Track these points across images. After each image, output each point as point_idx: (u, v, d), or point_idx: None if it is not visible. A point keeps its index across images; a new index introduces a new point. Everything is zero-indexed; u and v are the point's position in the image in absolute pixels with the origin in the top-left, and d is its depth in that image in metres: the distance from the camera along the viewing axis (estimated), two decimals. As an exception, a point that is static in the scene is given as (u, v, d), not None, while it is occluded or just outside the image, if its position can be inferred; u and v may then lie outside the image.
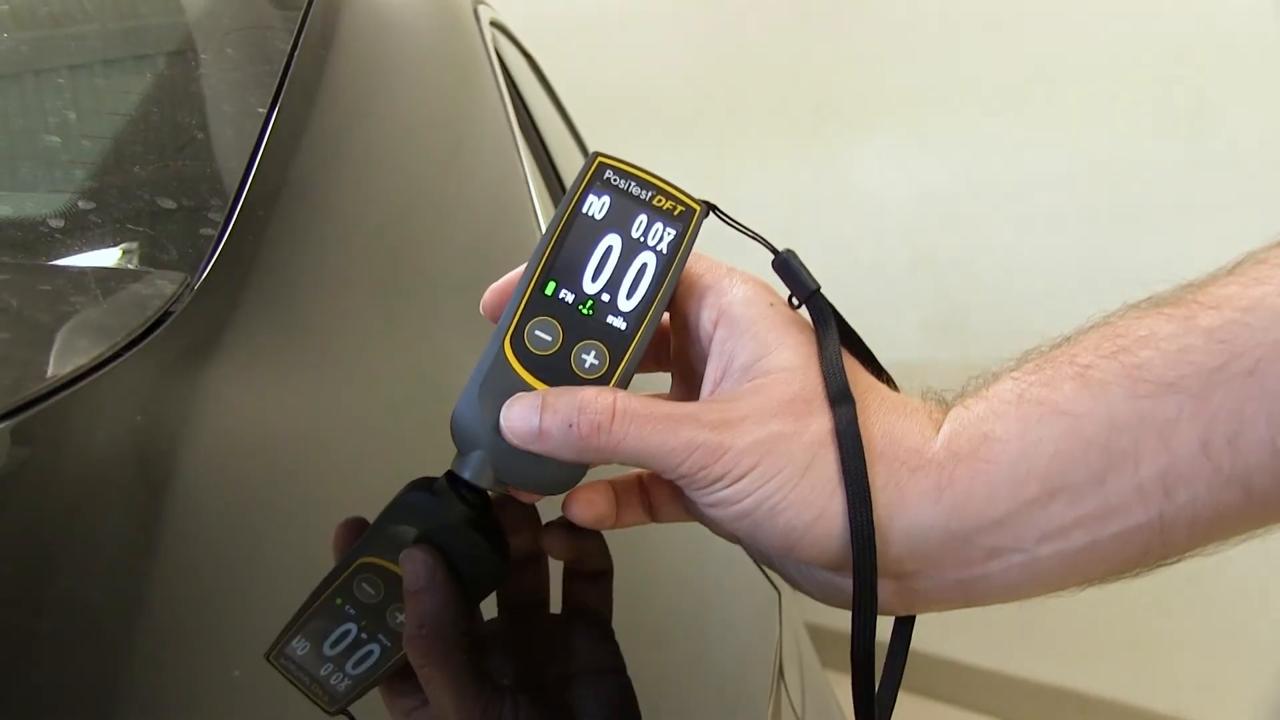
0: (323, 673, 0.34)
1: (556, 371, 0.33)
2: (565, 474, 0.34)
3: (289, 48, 0.54)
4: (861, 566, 0.31)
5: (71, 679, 0.27)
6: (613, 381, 0.34)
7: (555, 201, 0.98)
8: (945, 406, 0.35)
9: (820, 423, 0.32)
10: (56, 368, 0.33)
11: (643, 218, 0.35)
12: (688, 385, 0.37)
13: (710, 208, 0.36)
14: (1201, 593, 1.94)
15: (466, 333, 0.52)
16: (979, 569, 0.32)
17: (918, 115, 2.16)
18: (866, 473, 0.31)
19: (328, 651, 0.34)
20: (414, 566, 0.33)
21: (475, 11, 0.91)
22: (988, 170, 2.10)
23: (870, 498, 0.31)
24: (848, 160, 2.25)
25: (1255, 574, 1.87)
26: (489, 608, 0.37)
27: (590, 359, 0.34)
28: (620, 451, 0.32)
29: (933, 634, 2.15)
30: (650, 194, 0.35)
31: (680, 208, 0.35)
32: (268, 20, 0.60)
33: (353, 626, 0.34)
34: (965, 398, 0.34)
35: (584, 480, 0.35)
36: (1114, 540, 0.31)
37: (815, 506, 0.32)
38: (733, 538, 0.37)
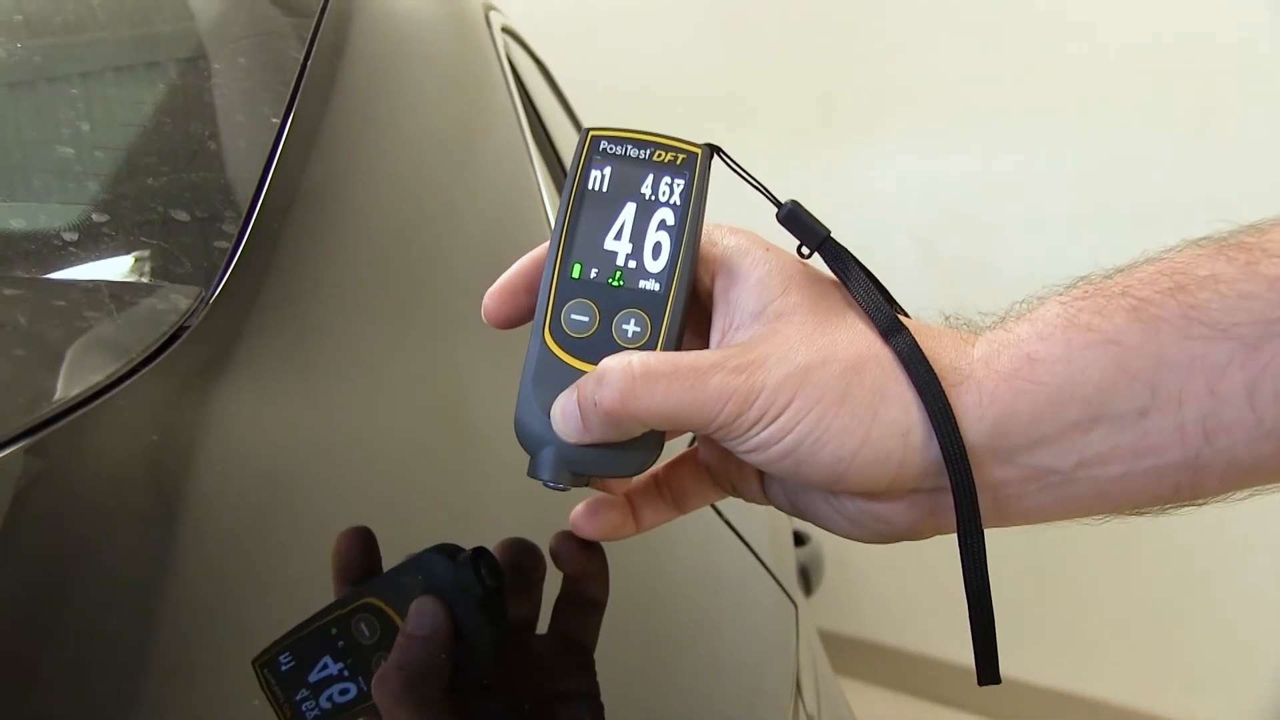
0: (298, 697, 0.33)
1: (601, 349, 0.33)
2: (637, 452, 0.33)
3: (302, 56, 0.54)
4: (959, 490, 0.31)
5: (85, 703, 0.27)
6: (659, 344, 0.33)
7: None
8: (973, 331, 0.34)
9: (846, 350, 0.32)
10: (70, 386, 0.33)
11: (649, 176, 0.34)
12: (690, 342, 0.36)
13: (713, 150, 0.35)
14: (1210, 594, 1.93)
15: (484, 343, 0.52)
16: (1015, 488, 0.32)
17: (926, 115, 2.16)
18: (945, 393, 0.31)
19: (310, 677, 0.33)
20: (423, 614, 0.32)
21: (487, 18, 0.91)
22: (997, 170, 2.09)
23: (955, 418, 0.30)
24: (856, 160, 2.25)
25: (1265, 578, 1.85)
26: None
27: (631, 327, 0.33)
28: (653, 414, 0.31)
29: (931, 635, 2.14)
30: (649, 151, 0.34)
31: (682, 156, 0.34)
32: (280, 28, 0.60)
33: (340, 660, 0.33)
34: (1006, 320, 0.34)
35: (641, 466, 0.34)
36: (1148, 475, 0.31)
37: (858, 434, 0.31)
38: (772, 500, 0.36)
